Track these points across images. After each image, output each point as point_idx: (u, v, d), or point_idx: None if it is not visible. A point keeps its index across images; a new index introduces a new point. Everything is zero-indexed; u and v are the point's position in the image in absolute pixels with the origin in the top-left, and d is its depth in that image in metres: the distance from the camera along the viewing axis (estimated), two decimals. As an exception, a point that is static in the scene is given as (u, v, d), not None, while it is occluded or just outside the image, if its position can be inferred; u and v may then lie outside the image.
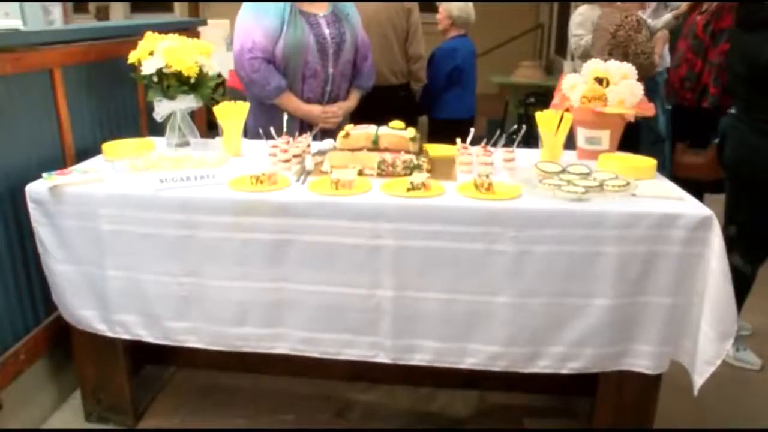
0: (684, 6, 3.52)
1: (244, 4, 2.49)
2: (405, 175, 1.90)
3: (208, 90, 2.24)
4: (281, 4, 2.44)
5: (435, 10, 3.84)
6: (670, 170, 3.10)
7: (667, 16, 3.56)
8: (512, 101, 6.00)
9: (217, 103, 2.21)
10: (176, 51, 2.11)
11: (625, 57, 2.92)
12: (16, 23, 2.13)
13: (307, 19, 2.47)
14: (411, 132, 1.98)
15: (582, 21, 3.57)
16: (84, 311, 1.92)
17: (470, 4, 3.77)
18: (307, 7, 2.49)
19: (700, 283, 1.66)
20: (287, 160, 1.98)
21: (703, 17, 3.27)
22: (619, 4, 3.13)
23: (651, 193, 1.77)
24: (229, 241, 1.77)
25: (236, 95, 2.48)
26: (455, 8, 3.73)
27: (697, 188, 2.45)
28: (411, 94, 3.59)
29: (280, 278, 1.78)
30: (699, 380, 1.66)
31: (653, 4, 3.62)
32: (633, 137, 2.84)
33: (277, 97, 2.47)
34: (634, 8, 3.12)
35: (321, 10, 2.52)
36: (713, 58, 3.20)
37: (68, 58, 2.16)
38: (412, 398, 2.29)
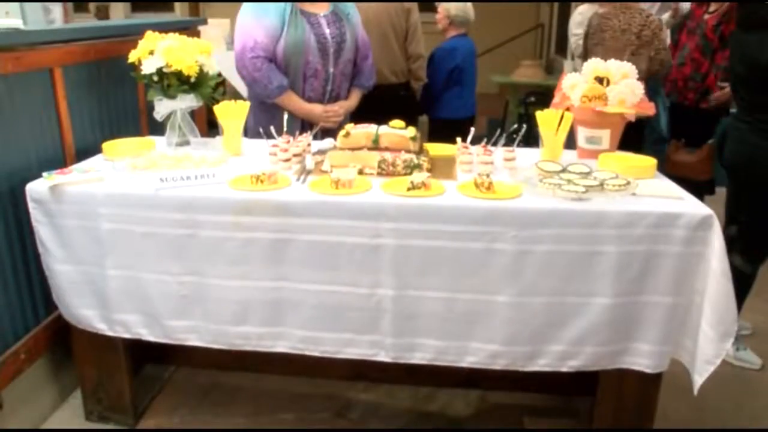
0: (675, 5, 3.53)
1: (244, 4, 2.49)
2: (405, 174, 1.90)
3: (208, 89, 2.24)
4: (281, 3, 2.44)
5: (435, 10, 3.84)
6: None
7: (665, 15, 3.57)
8: (512, 101, 6.00)
9: (218, 102, 2.21)
10: (176, 50, 2.11)
11: (648, 55, 2.96)
12: (16, 22, 2.12)
13: (307, 19, 2.47)
14: (411, 131, 1.98)
15: (582, 20, 3.57)
16: (84, 310, 1.92)
17: (469, 4, 3.76)
18: (307, 6, 2.49)
19: (701, 282, 1.66)
20: (287, 160, 1.98)
21: (713, 17, 3.26)
22: (619, 4, 3.13)
23: (651, 192, 1.77)
24: (229, 241, 1.77)
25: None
26: (453, 7, 3.73)
27: (696, 189, 2.45)
28: (411, 93, 3.59)
29: (280, 277, 1.78)
30: (699, 380, 1.66)
31: (657, 4, 3.63)
32: (636, 136, 2.86)
33: (279, 96, 2.47)
34: (636, 7, 3.13)
35: (321, 10, 2.52)
36: (720, 61, 3.19)
37: (68, 58, 2.16)
38: (413, 398, 2.29)
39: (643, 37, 3.00)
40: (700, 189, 2.99)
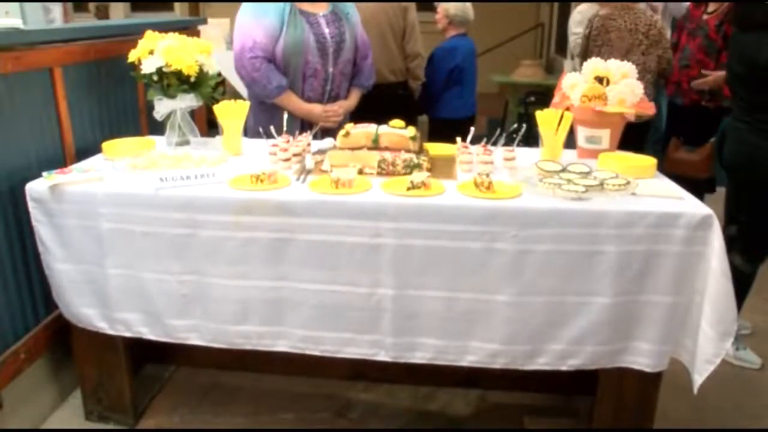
0: (657, 4, 3.55)
1: (244, 4, 2.49)
2: (405, 174, 1.90)
3: (208, 89, 2.24)
4: (281, 3, 2.43)
5: (435, 10, 3.84)
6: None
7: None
8: (512, 100, 6.01)
9: (218, 102, 2.21)
10: (176, 50, 2.11)
11: (657, 54, 2.98)
12: (16, 22, 2.12)
13: (306, 19, 2.46)
14: (411, 131, 1.98)
15: (581, 20, 3.56)
16: (85, 309, 1.92)
17: (468, 3, 3.76)
18: (306, 6, 2.49)
19: (701, 282, 1.66)
20: (287, 159, 1.98)
21: (714, 17, 3.26)
22: (619, 4, 3.13)
23: (651, 192, 1.77)
24: (229, 240, 1.77)
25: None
26: (452, 7, 3.73)
27: (696, 187, 2.45)
28: (409, 92, 3.59)
29: (280, 277, 1.78)
30: (699, 379, 1.66)
31: (661, 5, 3.64)
32: (637, 136, 2.86)
33: (278, 97, 2.47)
34: (637, 7, 3.13)
35: (321, 10, 2.52)
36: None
37: (68, 57, 2.16)
38: (413, 397, 2.29)
39: (651, 36, 3.02)
40: (699, 187, 2.99)
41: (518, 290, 1.70)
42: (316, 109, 2.54)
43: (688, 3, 3.47)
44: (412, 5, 3.45)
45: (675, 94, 3.46)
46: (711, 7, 3.29)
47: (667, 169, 2.98)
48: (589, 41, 3.24)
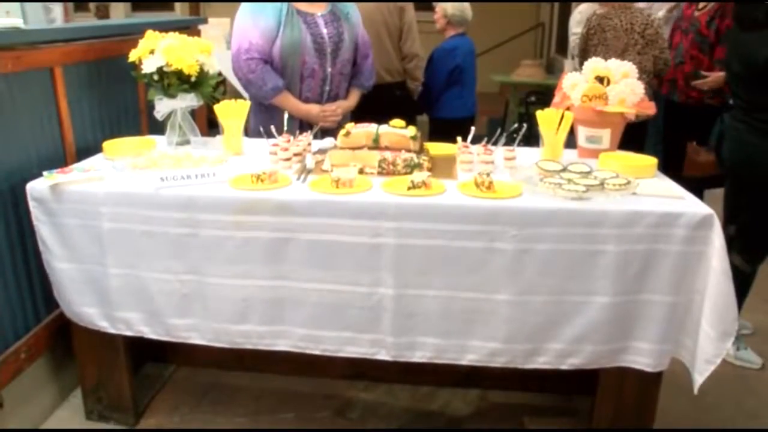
0: (672, 4, 3.56)
1: (242, 5, 2.48)
2: (406, 173, 1.90)
3: (208, 88, 2.24)
4: (278, 4, 2.43)
5: (434, 10, 3.83)
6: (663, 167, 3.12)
7: (660, 12, 3.59)
8: (513, 100, 6.01)
9: (218, 101, 2.21)
10: (177, 49, 2.11)
11: (653, 54, 2.99)
12: (16, 21, 2.12)
13: (304, 19, 2.46)
14: (412, 130, 1.98)
15: (581, 19, 3.57)
16: (86, 308, 1.92)
17: (466, 3, 3.75)
18: (304, 6, 2.48)
19: (701, 281, 1.66)
20: (288, 159, 1.98)
21: (705, 14, 3.28)
22: (618, 4, 3.13)
23: (652, 191, 1.78)
24: (230, 239, 1.77)
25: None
26: (450, 7, 3.72)
27: (697, 185, 2.45)
28: (407, 92, 3.58)
29: (281, 276, 1.78)
30: (699, 379, 1.66)
31: (666, 4, 3.65)
32: (639, 136, 2.85)
33: (274, 98, 2.46)
34: (635, 7, 3.14)
35: (319, 10, 2.51)
36: (721, 55, 3.20)
37: (69, 57, 2.16)
38: (412, 397, 2.29)
39: (647, 36, 3.02)
40: (700, 185, 2.99)
41: (518, 289, 1.71)
42: (313, 109, 2.53)
43: (683, 3, 3.49)
44: (410, 5, 3.44)
45: (671, 91, 3.46)
46: (701, 5, 3.32)
47: (689, 172, 2.98)
48: (587, 40, 3.24)
